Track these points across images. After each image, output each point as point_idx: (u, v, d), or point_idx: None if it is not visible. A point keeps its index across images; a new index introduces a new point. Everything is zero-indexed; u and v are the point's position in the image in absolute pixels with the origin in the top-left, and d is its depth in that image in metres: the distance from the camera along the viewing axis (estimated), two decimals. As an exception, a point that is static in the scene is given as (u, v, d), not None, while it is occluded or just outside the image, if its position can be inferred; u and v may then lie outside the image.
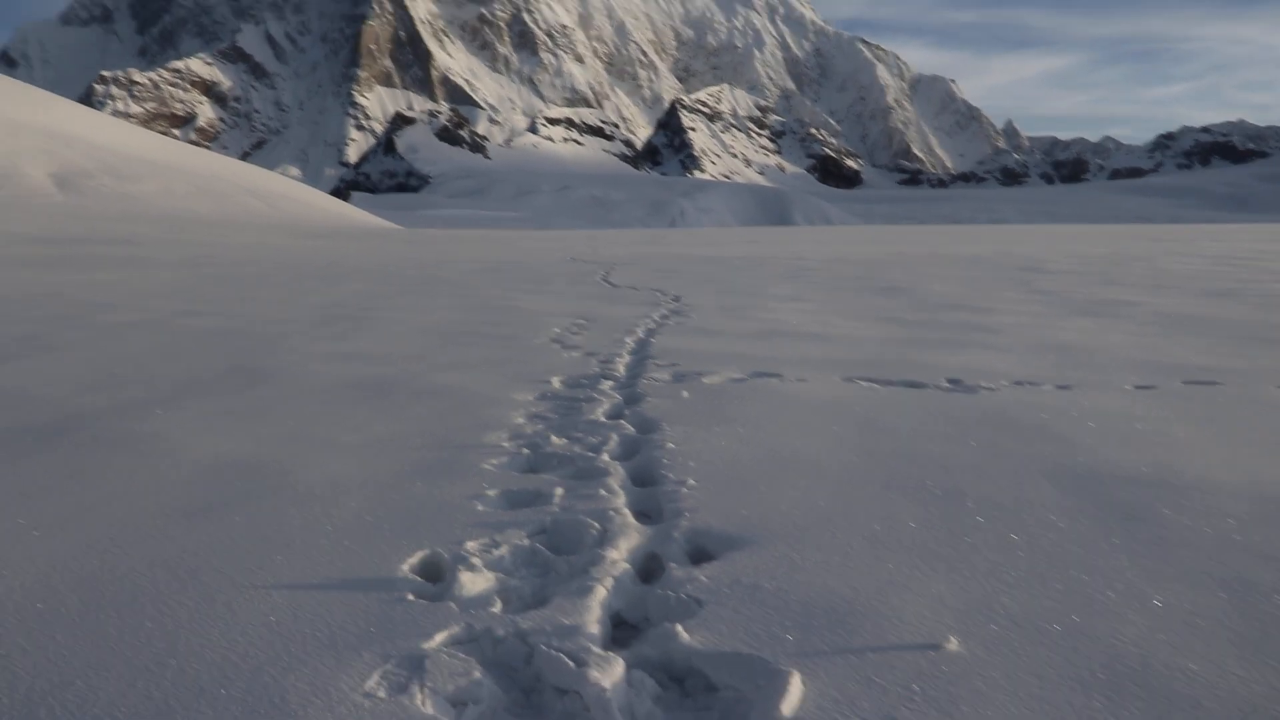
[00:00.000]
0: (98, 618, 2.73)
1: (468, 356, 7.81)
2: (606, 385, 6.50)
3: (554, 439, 4.83)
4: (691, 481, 4.01)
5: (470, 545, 3.26)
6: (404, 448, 4.70)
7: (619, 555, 3.20)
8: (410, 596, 2.85)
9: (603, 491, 3.88)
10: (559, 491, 3.89)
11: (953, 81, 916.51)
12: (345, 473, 4.23)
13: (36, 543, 3.36)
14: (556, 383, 6.55)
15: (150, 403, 5.92)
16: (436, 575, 3.10)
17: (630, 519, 3.58)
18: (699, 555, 3.29)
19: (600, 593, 2.86)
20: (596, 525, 3.44)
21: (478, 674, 2.39)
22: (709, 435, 4.89)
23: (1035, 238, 43.67)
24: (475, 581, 2.94)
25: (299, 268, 22.17)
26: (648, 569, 3.25)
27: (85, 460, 4.49)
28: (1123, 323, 9.75)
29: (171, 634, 2.61)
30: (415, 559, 3.16)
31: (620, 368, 7.26)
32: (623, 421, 5.32)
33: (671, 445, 4.66)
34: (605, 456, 4.49)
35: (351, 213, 79.18)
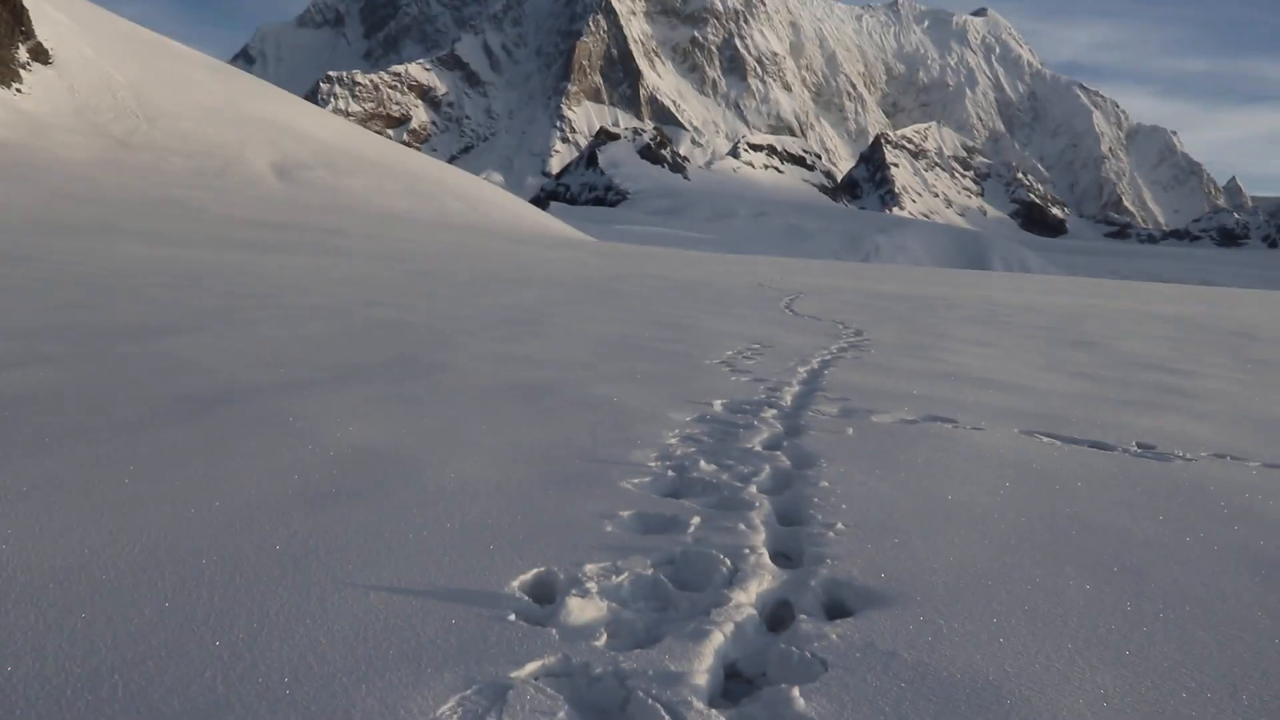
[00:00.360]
0: (189, 597, 2.61)
1: (633, 370, 7.64)
2: (769, 414, 6.21)
3: (703, 464, 4.57)
4: (840, 525, 3.70)
5: (589, 568, 3.03)
6: (546, 456, 4.53)
7: (746, 599, 2.92)
8: (512, 616, 2.63)
9: (742, 526, 3.60)
10: (696, 520, 3.63)
11: (1174, 133, 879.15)
12: (480, 475, 4.07)
13: (154, 512, 3.29)
14: (718, 406, 6.30)
15: (309, 384, 5.92)
16: (547, 596, 2.88)
17: (766, 560, 3.29)
18: (835, 609, 2.98)
19: (717, 639, 2.58)
20: (728, 562, 3.17)
21: (562, 715, 2.15)
22: (868, 478, 4.55)
23: (1251, 302, 41.19)
24: (584, 609, 2.70)
25: (488, 269, 22.56)
26: (776, 617, 2.96)
27: (228, 434, 4.46)
28: (1345, 402, 8.90)
29: (257, 625, 2.46)
30: (528, 576, 2.95)
31: (788, 397, 6.97)
32: (779, 454, 5.02)
33: (825, 484, 4.35)
34: (753, 488, 4.21)
35: (548, 221, 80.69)
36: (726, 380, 7.49)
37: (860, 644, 2.60)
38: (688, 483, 4.27)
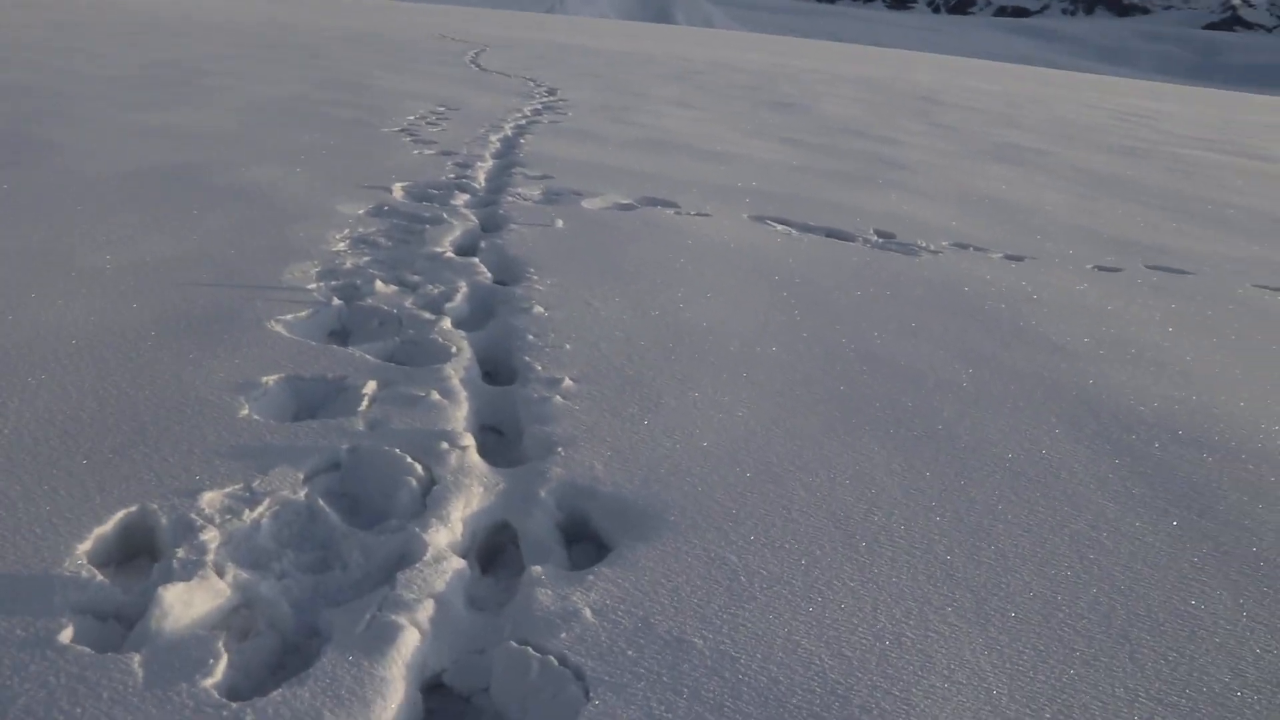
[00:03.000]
0: None
1: (298, 142, 6.39)
2: (461, 200, 5.21)
3: (379, 284, 3.52)
4: (568, 381, 2.77)
5: (208, 498, 1.97)
6: (167, 284, 3.34)
7: (449, 536, 1.96)
8: (66, 634, 1.54)
9: (436, 394, 2.59)
10: (371, 387, 2.61)
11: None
12: (64, 324, 2.86)
13: None
14: (398, 191, 5.22)
15: None
16: (141, 554, 1.84)
17: (472, 454, 2.32)
18: (577, 533, 2.09)
19: (409, 640, 1.62)
20: (419, 469, 2.18)
21: None
22: (591, 295, 3.65)
23: (923, 66, 42.52)
24: (191, 599, 1.66)
25: (144, 18, 19.69)
26: (490, 553, 2.05)
27: None
28: (1044, 175, 8.73)
29: None
30: (109, 526, 1.86)
31: (481, 175, 5.96)
32: (476, 261, 4.02)
33: (540, 309, 3.41)
34: (447, 323, 3.21)
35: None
36: (409, 154, 6.35)
37: (630, 626, 1.69)
38: (359, 316, 3.23)
